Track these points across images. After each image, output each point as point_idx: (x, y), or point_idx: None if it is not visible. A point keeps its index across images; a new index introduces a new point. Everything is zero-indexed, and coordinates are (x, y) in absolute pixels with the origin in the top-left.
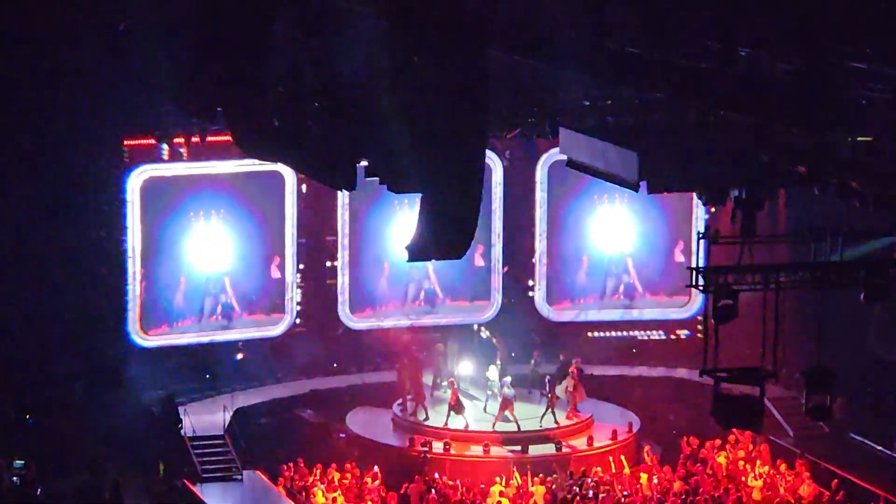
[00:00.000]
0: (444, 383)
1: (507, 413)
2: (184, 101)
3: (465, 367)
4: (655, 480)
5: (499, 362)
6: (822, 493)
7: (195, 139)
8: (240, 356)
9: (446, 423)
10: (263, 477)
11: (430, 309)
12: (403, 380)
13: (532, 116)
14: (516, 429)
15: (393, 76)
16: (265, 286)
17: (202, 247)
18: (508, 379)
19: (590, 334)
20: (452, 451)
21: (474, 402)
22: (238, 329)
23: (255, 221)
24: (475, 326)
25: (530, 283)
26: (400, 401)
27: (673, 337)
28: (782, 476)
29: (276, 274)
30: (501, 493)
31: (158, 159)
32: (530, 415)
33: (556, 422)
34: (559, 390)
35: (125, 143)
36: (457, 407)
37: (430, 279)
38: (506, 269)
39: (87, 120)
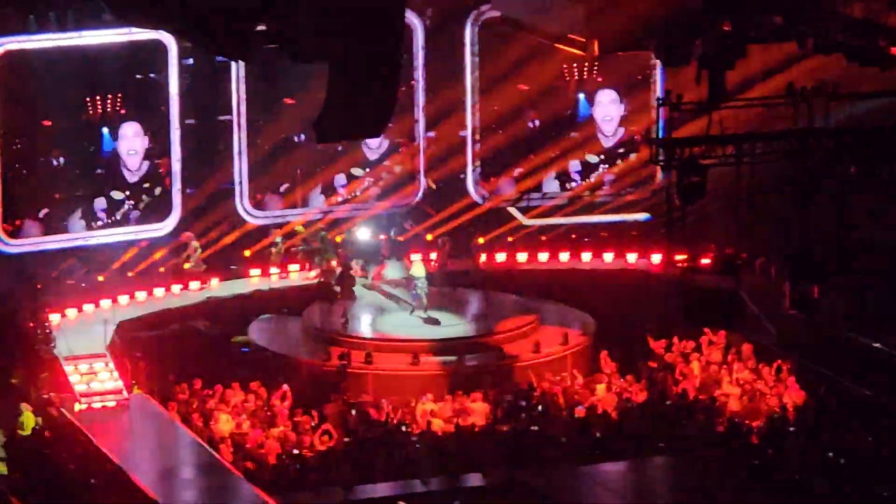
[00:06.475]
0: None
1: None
2: None
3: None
4: (614, 391)
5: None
6: (810, 400)
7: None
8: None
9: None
10: (152, 401)
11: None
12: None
13: None
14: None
15: None
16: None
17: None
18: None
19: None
20: (375, 364)
21: (401, 305)
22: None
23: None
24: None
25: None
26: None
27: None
28: (764, 381)
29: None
30: (433, 413)
31: (23, 30)
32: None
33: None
34: None
35: None
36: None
37: None
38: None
39: None
